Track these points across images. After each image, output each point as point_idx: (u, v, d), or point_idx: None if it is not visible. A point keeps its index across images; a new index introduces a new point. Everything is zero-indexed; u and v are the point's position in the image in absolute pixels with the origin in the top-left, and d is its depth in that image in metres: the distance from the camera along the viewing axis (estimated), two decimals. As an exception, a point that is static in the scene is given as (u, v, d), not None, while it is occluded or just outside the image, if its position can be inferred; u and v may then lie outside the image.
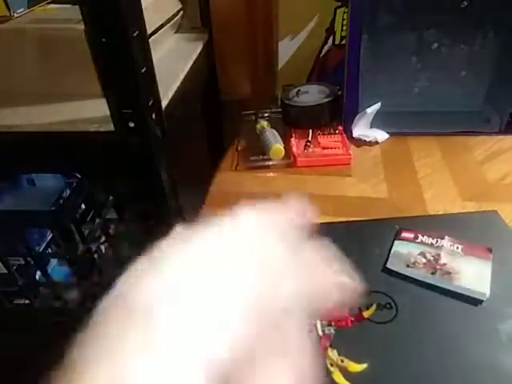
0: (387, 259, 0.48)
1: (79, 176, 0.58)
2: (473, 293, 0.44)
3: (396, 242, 0.50)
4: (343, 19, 0.78)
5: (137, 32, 0.43)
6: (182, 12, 0.81)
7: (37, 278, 0.60)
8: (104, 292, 0.19)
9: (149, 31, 0.52)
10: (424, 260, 0.48)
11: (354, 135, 0.74)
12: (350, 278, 0.22)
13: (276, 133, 0.72)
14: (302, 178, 0.67)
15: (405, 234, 0.51)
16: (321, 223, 0.57)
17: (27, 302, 0.59)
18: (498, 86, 0.74)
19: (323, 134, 0.74)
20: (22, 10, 0.59)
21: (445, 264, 0.47)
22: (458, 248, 0.49)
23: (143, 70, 0.45)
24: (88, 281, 0.57)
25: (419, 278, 0.46)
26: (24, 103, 0.54)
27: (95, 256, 0.57)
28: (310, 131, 0.74)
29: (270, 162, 0.69)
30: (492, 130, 0.74)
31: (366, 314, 0.35)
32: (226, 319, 0.17)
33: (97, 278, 0.59)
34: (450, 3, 0.69)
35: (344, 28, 0.79)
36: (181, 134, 0.65)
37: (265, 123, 0.75)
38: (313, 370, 0.18)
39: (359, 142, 0.74)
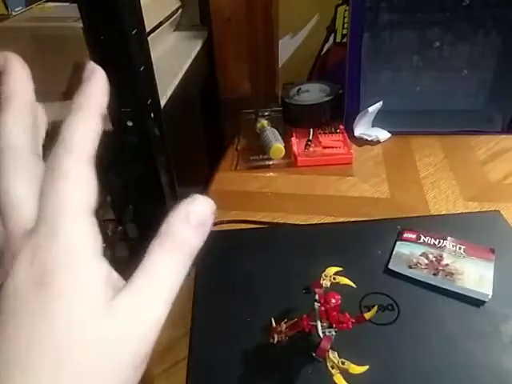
0: (389, 260, 0.48)
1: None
2: (475, 294, 0.43)
3: (398, 242, 0.50)
4: (344, 17, 0.77)
5: (135, 30, 0.43)
6: (181, 10, 0.80)
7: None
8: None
9: (147, 29, 0.52)
10: (426, 261, 0.47)
11: (355, 134, 0.73)
12: None
13: (276, 132, 0.71)
14: (302, 177, 0.66)
15: (407, 235, 0.50)
16: (322, 224, 0.57)
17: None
18: (500, 85, 0.73)
19: (324, 133, 0.73)
20: (20, 8, 0.58)
21: (447, 265, 0.46)
22: (460, 249, 0.48)
23: (142, 69, 0.45)
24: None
25: (421, 279, 0.45)
26: (21, 102, 0.54)
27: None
28: (311, 130, 0.73)
29: (271, 162, 0.69)
30: (494, 130, 0.73)
31: (367, 315, 0.34)
32: None
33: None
34: (451, 1, 0.69)
35: (345, 26, 0.78)
36: (180, 134, 0.65)
37: (265, 122, 0.74)
38: None
39: (361, 142, 0.73)
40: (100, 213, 0.55)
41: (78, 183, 0.17)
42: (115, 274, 0.19)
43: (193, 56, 0.72)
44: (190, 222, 0.18)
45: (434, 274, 0.45)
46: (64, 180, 0.17)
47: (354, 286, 0.37)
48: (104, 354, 0.16)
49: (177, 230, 0.18)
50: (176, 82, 0.61)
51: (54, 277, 0.16)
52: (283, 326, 0.38)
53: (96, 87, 0.19)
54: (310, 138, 0.72)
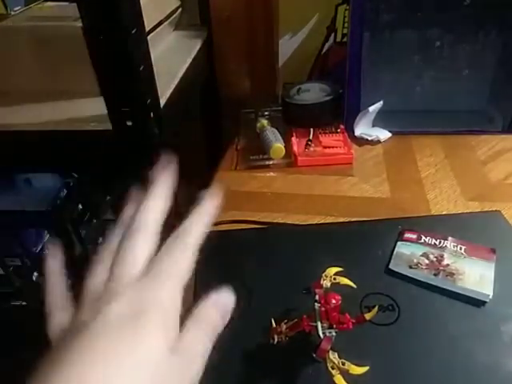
0: (389, 260, 0.48)
1: (76, 176, 0.57)
2: (476, 294, 0.43)
3: (398, 242, 0.50)
4: (344, 17, 0.77)
5: (135, 29, 0.43)
6: (180, 9, 0.80)
7: (34, 279, 0.60)
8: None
9: (147, 28, 0.52)
10: (427, 261, 0.47)
11: (355, 134, 0.73)
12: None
13: (276, 132, 0.71)
14: (302, 177, 0.66)
15: (408, 235, 0.50)
16: (322, 224, 0.57)
17: (24, 303, 0.59)
18: (500, 84, 0.73)
19: (324, 133, 0.73)
20: (20, 7, 0.58)
21: (448, 265, 0.46)
22: (461, 249, 0.48)
23: (141, 68, 0.45)
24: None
25: (422, 280, 0.45)
26: (21, 102, 0.54)
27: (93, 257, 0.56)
28: (311, 130, 0.73)
29: (271, 162, 0.69)
30: (495, 129, 0.73)
31: (367, 315, 0.34)
32: None
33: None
34: (452, 1, 0.68)
35: (345, 25, 0.78)
36: (179, 133, 0.64)
37: (265, 122, 0.74)
38: None
39: (361, 141, 0.73)
40: (100, 213, 0.55)
41: (184, 261, 0.24)
42: None
43: (192, 55, 0.72)
44: (218, 309, 0.25)
45: (435, 275, 0.45)
46: (179, 254, 0.24)
47: (354, 286, 0.37)
48: None
49: (209, 312, 0.24)
50: (176, 81, 0.61)
51: (146, 316, 0.20)
52: (283, 326, 0.38)
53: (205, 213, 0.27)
54: (311, 137, 0.72)
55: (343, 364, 0.32)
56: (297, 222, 0.56)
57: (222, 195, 0.29)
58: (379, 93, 0.73)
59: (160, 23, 0.69)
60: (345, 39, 0.79)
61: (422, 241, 0.49)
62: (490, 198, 0.59)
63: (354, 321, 0.34)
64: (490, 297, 0.43)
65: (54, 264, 0.26)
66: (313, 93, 0.75)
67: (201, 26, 0.82)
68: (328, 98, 0.72)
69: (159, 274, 0.23)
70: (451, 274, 0.45)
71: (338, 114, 0.74)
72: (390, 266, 0.47)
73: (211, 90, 0.89)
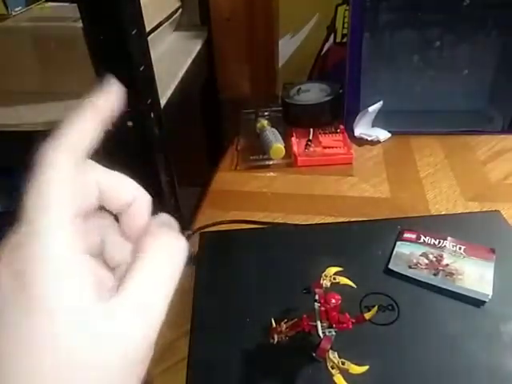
0: (389, 260, 0.48)
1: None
2: (475, 294, 0.43)
3: (398, 242, 0.50)
4: (344, 17, 0.77)
5: (135, 30, 0.43)
6: (180, 9, 0.80)
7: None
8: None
9: (147, 29, 0.52)
10: (426, 261, 0.47)
11: (355, 134, 0.73)
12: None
13: (276, 132, 0.71)
14: (302, 177, 0.66)
15: (407, 235, 0.50)
16: (322, 224, 0.57)
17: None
18: (500, 84, 0.73)
19: (324, 133, 0.73)
20: (20, 8, 0.58)
21: (447, 265, 0.46)
22: (460, 249, 0.48)
23: (142, 69, 0.45)
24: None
25: (421, 279, 0.45)
26: (21, 102, 0.54)
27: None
28: (311, 130, 0.73)
29: (271, 162, 0.69)
30: (495, 130, 0.73)
31: (367, 315, 0.34)
32: None
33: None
34: (452, 1, 0.68)
35: (345, 26, 0.78)
36: (180, 134, 0.64)
37: (265, 122, 0.74)
38: None
39: (361, 141, 0.73)
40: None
41: (61, 180, 0.16)
42: (104, 272, 0.20)
43: (193, 56, 0.72)
44: (173, 227, 0.20)
45: (434, 274, 0.45)
46: (47, 175, 0.16)
47: (354, 286, 0.37)
48: (96, 353, 0.15)
49: (164, 230, 0.19)
50: (176, 81, 0.61)
51: (31, 277, 0.15)
52: (283, 326, 0.38)
53: (108, 97, 0.19)
54: (310, 137, 0.72)
55: (343, 363, 0.32)
56: (297, 222, 0.56)
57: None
58: (379, 93, 0.73)
59: (160, 24, 0.69)
60: (345, 39, 0.79)
61: (422, 241, 0.50)
62: (489, 198, 0.59)
63: (353, 320, 0.34)
64: (490, 297, 0.43)
65: None
66: (313, 93, 0.75)
67: (201, 27, 0.83)
68: (328, 98, 0.72)
69: (34, 210, 0.16)
70: (451, 274, 0.45)
71: (338, 114, 0.74)
72: (390, 266, 0.47)
73: (211, 90, 0.89)
